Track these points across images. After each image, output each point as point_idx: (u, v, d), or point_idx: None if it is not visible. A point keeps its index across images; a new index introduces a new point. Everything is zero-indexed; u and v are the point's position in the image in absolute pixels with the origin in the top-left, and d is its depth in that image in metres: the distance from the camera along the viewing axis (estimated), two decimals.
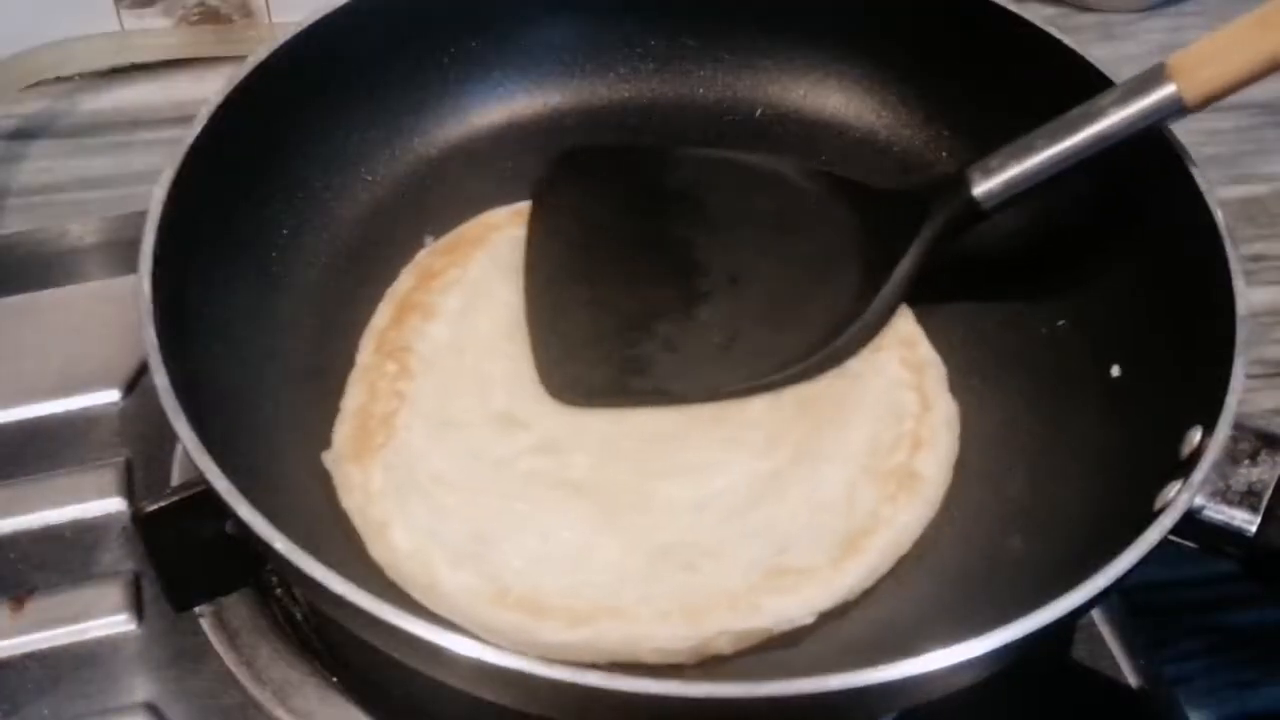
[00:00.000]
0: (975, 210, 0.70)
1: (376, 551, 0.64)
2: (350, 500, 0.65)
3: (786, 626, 0.63)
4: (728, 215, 0.76)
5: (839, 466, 0.67)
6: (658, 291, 0.73)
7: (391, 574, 0.63)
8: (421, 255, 0.76)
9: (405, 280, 0.74)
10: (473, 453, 0.67)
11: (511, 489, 0.66)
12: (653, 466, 0.67)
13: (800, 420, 0.69)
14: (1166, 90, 0.65)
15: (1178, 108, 0.65)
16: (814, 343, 0.70)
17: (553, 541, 0.64)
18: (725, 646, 0.62)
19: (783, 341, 0.71)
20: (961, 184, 0.70)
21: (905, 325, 0.73)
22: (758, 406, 0.70)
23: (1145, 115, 0.66)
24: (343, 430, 0.68)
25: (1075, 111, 0.68)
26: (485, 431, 0.68)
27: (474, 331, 0.72)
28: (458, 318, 0.72)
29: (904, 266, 0.71)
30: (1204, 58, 0.65)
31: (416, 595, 0.63)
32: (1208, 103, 0.65)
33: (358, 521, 0.65)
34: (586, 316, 0.73)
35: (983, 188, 0.69)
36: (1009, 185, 0.69)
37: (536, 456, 0.68)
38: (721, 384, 0.70)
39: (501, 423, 0.69)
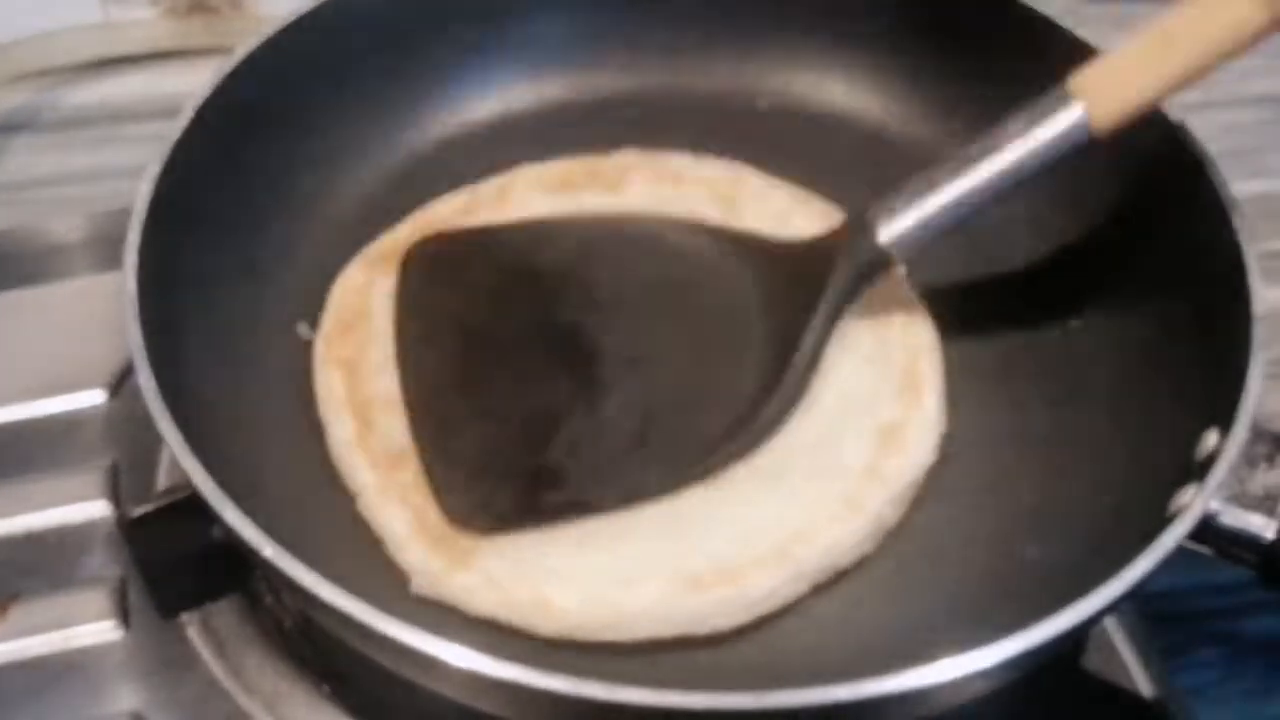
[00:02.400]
0: (884, 258, 0.66)
1: (546, 625, 0.60)
2: (486, 603, 0.61)
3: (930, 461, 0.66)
4: (614, 291, 0.70)
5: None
6: (553, 388, 0.67)
7: (572, 633, 0.60)
8: (322, 351, 0.70)
9: (333, 381, 0.68)
10: None
11: None
12: None
13: None
14: (1074, 114, 0.62)
15: (1086, 134, 0.63)
16: (731, 424, 0.66)
17: (682, 520, 0.63)
18: (891, 517, 0.64)
19: (698, 426, 0.66)
20: (866, 231, 0.66)
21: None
22: None
23: (1052, 143, 0.63)
24: (414, 555, 0.62)
25: (976, 145, 0.65)
26: None
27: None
28: None
29: (814, 328, 0.67)
30: (1110, 77, 0.63)
31: (609, 635, 0.60)
32: (1118, 128, 0.63)
33: (508, 616, 0.61)
34: (479, 430, 0.66)
35: (889, 233, 0.66)
36: (916, 228, 0.65)
37: None
38: (641, 485, 0.64)
39: None
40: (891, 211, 0.66)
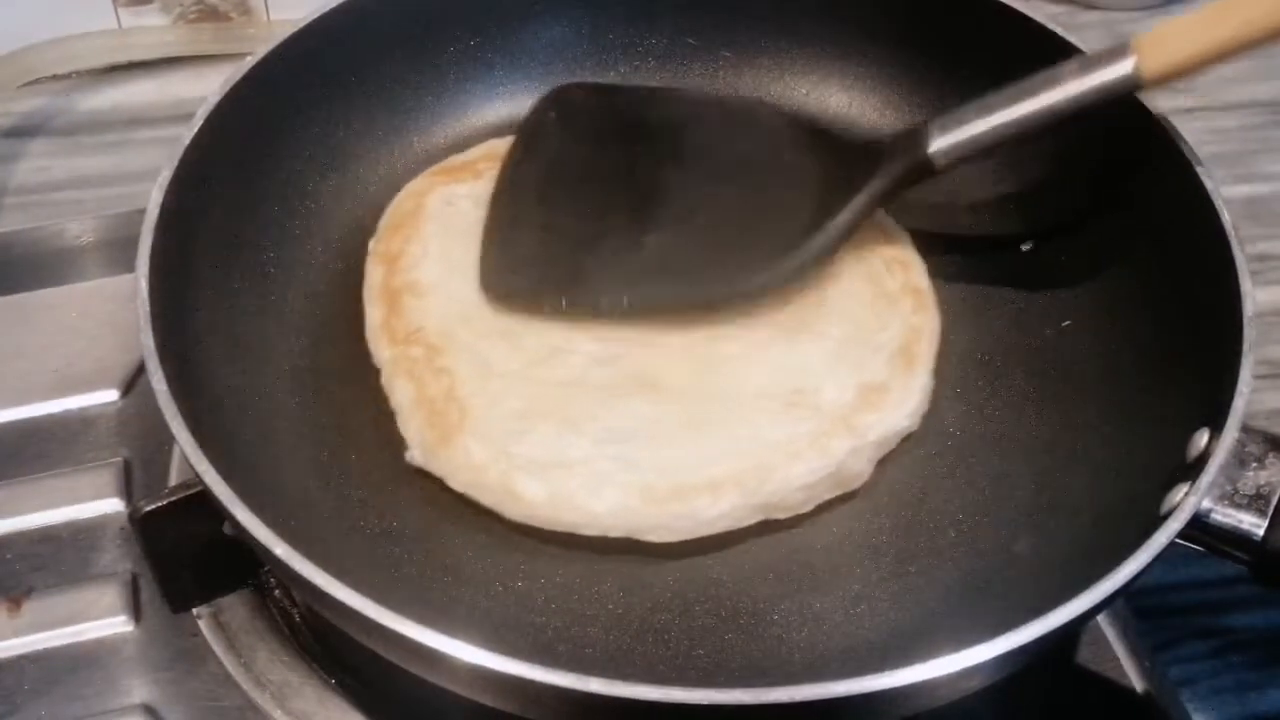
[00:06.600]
0: (927, 166, 0.71)
1: (515, 512, 0.66)
2: (461, 481, 0.67)
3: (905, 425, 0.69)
4: (697, 152, 0.77)
5: (850, 303, 0.73)
6: (612, 218, 0.74)
7: (532, 522, 0.65)
8: (373, 244, 0.75)
9: (374, 272, 0.74)
10: (543, 388, 0.69)
11: (597, 398, 0.68)
12: (696, 351, 0.71)
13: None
14: (1126, 63, 0.66)
15: (1136, 82, 0.66)
16: (749, 265, 0.72)
17: (659, 431, 0.67)
18: (853, 470, 0.68)
19: (714, 266, 0.72)
20: (919, 139, 0.71)
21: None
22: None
23: (1103, 86, 0.67)
24: (413, 425, 0.68)
25: (1036, 77, 0.68)
26: (540, 369, 0.70)
27: (467, 294, 0.73)
28: (445, 287, 0.73)
29: (846, 212, 0.72)
30: (1169, 36, 0.66)
31: (566, 528, 0.65)
32: (1166, 79, 0.66)
33: (484, 498, 0.66)
34: (538, 236, 0.74)
35: (938, 145, 0.71)
36: (963, 145, 0.70)
37: (599, 368, 0.70)
38: (650, 296, 0.71)
39: (547, 354, 0.70)
40: (944, 127, 0.71)
